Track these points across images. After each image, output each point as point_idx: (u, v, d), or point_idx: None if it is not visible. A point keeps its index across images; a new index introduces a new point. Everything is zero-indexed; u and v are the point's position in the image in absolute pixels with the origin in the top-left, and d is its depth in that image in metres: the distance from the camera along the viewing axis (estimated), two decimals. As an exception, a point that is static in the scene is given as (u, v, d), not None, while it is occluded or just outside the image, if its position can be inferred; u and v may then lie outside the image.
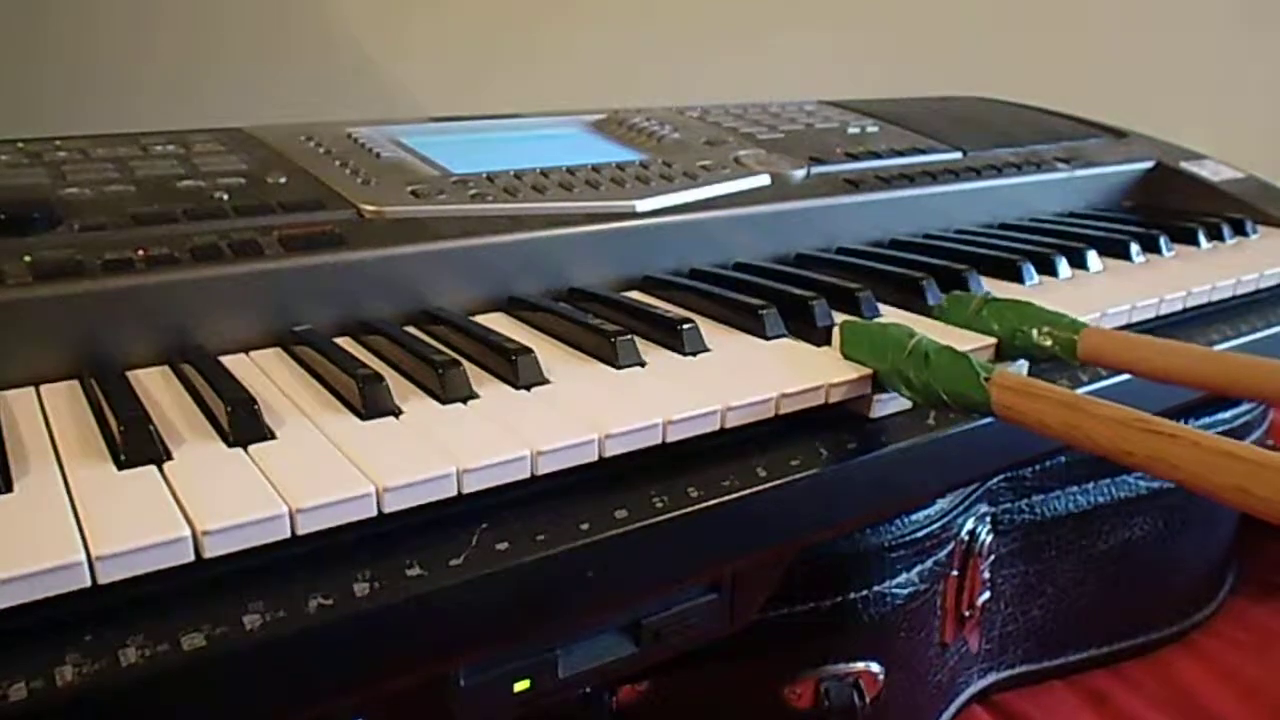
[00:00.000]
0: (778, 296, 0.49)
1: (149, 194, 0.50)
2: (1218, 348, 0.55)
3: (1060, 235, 0.66)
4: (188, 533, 0.28)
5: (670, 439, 0.37)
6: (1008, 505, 0.58)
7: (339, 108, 0.98)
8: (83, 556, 0.27)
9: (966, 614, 0.57)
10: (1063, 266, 0.59)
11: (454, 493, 0.32)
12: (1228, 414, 0.65)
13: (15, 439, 0.34)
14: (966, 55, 1.33)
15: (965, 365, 0.38)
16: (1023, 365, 0.46)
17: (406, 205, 0.51)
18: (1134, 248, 0.64)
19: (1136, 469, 0.36)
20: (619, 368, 0.42)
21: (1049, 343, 0.43)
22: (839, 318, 0.50)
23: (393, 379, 0.39)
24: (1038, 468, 0.58)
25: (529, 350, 0.41)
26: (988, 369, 0.38)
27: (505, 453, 0.33)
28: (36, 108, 0.93)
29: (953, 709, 0.60)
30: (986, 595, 0.57)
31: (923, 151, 0.74)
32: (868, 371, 0.42)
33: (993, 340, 0.45)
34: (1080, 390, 0.46)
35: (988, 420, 0.39)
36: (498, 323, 0.48)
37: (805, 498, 0.39)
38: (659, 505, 0.35)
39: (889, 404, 0.42)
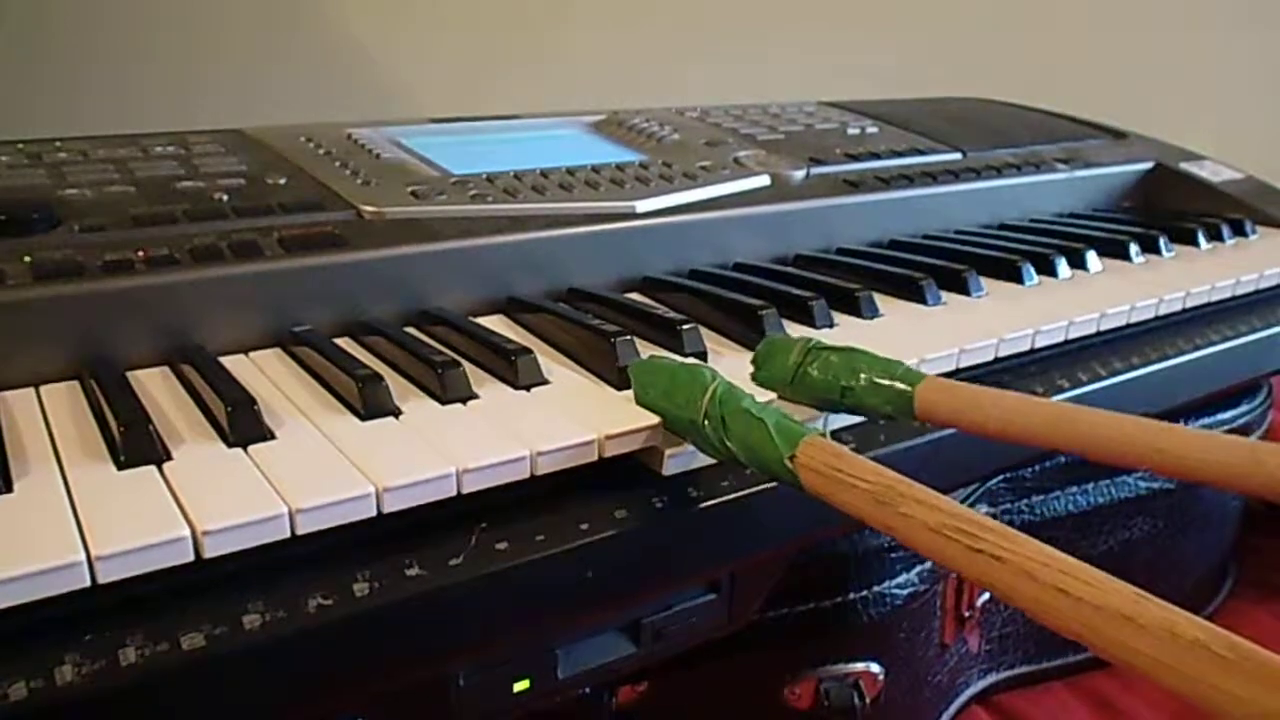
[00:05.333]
0: (777, 297, 0.49)
1: (149, 195, 0.50)
2: (1216, 348, 0.55)
3: (1060, 236, 0.66)
4: (187, 533, 0.28)
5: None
6: (1007, 505, 0.58)
7: (339, 108, 0.98)
8: (82, 556, 0.27)
9: (966, 614, 0.57)
10: (1062, 267, 0.59)
11: (453, 493, 0.32)
12: (1228, 414, 0.65)
13: (15, 439, 0.34)
14: (966, 55, 1.33)
15: (765, 437, 0.32)
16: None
17: (406, 206, 0.51)
18: (1133, 248, 0.64)
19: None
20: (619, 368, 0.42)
21: (881, 401, 0.36)
22: (839, 317, 0.50)
23: (392, 379, 0.39)
24: (1037, 468, 0.58)
25: (529, 351, 0.41)
26: (794, 438, 0.32)
27: (505, 453, 0.33)
28: (36, 108, 0.93)
29: (953, 709, 0.60)
30: (986, 595, 0.57)
31: (922, 152, 0.74)
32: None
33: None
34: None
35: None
36: (497, 323, 0.48)
37: (805, 497, 0.39)
38: (659, 505, 0.35)
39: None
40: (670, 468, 0.36)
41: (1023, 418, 0.33)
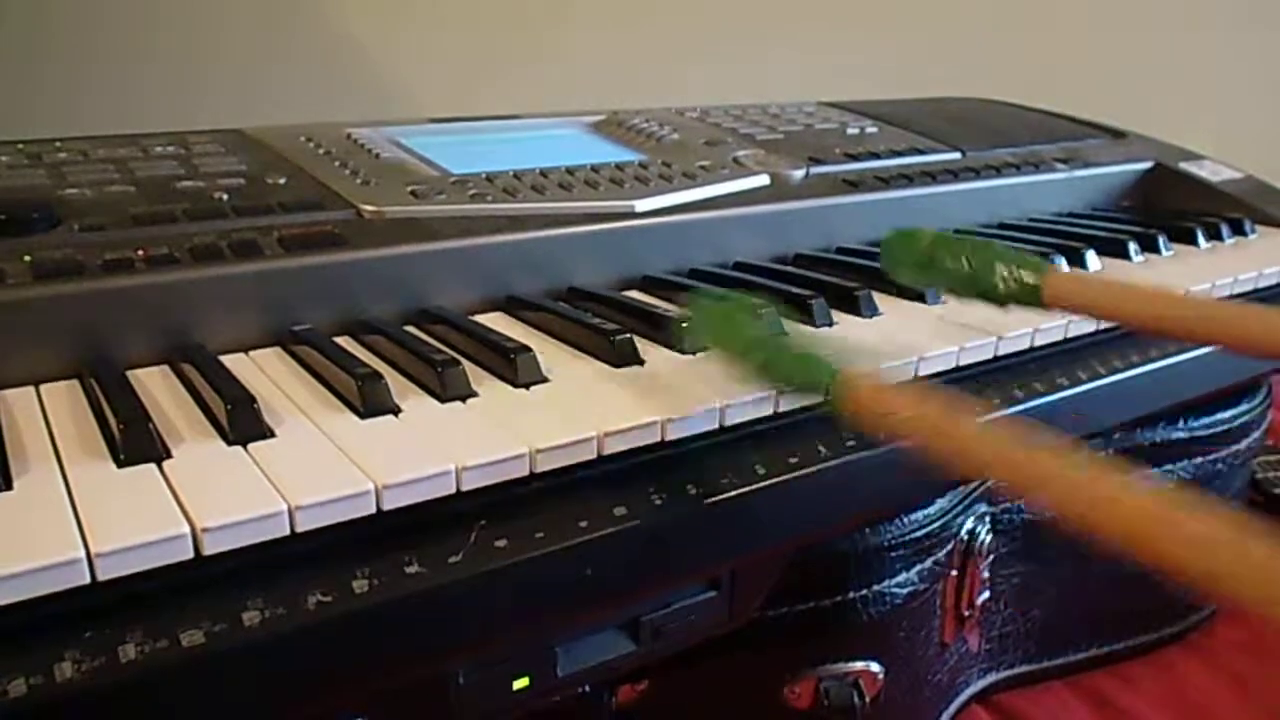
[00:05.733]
0: (777, 295, 0.49)
1: (149, 194, 0.50)
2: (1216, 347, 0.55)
3: (1059, 235, 0.66)
4: (187, 530, 0.28)
5: (669, 437, 0.37)
6: (1007, 504, 0.58)
7: (339, 108, 0.98)
8: (82, 553, 0.27)
9: (966, 614, 0.56)
10: (1062, 266, 0.59)
11: (453, 490, 0.32)
12: (1228, 413, 0.65)
13: (15, 438, 0.34)
14: (966, 55, 1.33)
15: (813, 359, 0.35)
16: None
17: (406, 205, 0.51)
18: (1133, 247, 0.64)
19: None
20: (618, 366, 0.42)
21: (1011, 287, 0.39)
22: (838, 316, 0.50)
23: (392, 378, 0.39)
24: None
25: (528, 349, 0.41)
26: (840, 364, 0.35)
27: (504, 450, 0.33)
28: (36, 108, 0.93)
29: (953, 709, 0.60)
30: (986, 595, 0.57)
31: (922, 152, 0.74)
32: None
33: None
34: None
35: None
36: (497, 322, 0.48)
37: (805, 496, 0.39)
38: (658, 503, 0.35)
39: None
40: (673, 433, 0.37)
41: (1152, 308, 0.35)
